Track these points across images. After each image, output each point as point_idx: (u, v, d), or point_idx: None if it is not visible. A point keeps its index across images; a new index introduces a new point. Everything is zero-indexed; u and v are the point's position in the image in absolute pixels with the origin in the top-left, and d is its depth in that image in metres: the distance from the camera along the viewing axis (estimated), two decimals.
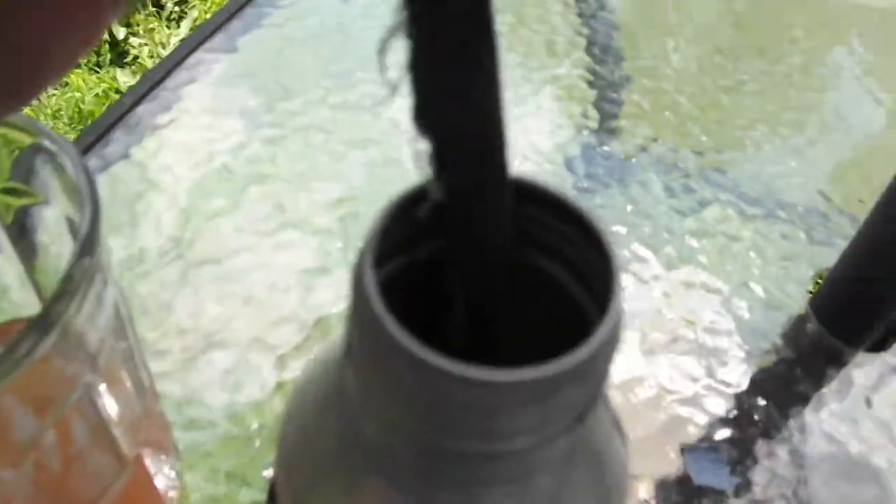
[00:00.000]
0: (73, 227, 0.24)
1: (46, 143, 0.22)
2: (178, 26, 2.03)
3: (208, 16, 2.00)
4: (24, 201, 0.25)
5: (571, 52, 0.56)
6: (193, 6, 2.04)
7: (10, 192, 0.24)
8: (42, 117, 1.77)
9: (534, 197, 0.13)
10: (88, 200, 0.20)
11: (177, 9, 2.05)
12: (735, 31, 0.61)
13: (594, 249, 0.12)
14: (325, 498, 0.13)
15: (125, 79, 1.86)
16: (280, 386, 0.36)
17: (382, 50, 0.11)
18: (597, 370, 0.11)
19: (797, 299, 0.42)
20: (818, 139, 0.52)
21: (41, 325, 0.19)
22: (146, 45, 1.94)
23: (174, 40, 1.98)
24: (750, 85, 0.55)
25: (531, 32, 0.57)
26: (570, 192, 0.20)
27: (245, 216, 0.42)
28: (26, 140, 0.23)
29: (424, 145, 0.12)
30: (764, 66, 0.57)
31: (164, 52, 1.92)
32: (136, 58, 1.92)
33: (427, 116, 0.12)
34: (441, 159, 0.12)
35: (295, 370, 0.36)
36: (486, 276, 0.12)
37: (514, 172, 0.13)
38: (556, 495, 0.13)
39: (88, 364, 0.21)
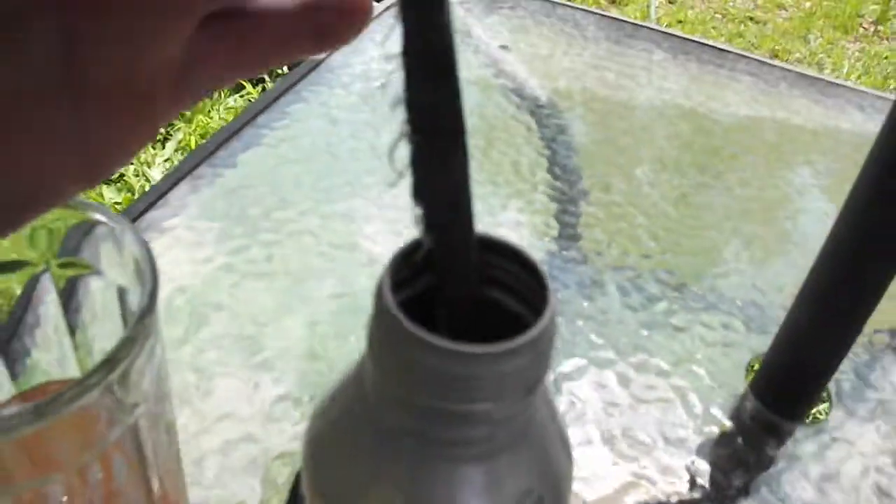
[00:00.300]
0: (122, 295, 0.29)
1: (100, 218, 0.28)
2: (164, 147, 2.12)
3: (193, 137, 2.10)
4: (76, 272, 0.30)
5: (535, 171, 0.62)
6: (178, 128, 2.13)
7: (64, 265, 0.29)
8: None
9: (493, 246, 0.19)
10: (149, 268, 0.25)
11: (162, 130, 2.14)
12: (681, 151, 0.69)
13: (535, 281, 0.18)
14: (346, 474, 0.18)
15: (111, 195, 1.92)
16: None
17: (391, 150, 0.17)
18: (539, 351, 0.16)
19: (737, 380, 0.47)
20: (755, 242, 0.59)
21: (107, 365, 0.23)
22: (132, 163, 2.01)
23: (159, 160, 2.06)
24: (693, 197, 0.62)
25: (499, 154, 0.64)
26: None
27: (246, 307, 0.48)
28: (78, 216, 0.28)
29: (418, 211, 0.18)
30: (706, 180, 0.65)
31: (150, 171, 2.00)
32: (122, 175, 1.99)
33: (421, 193, 0.17)
34: (428, 221, 0.17)
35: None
36: (459, 301, 0.18)
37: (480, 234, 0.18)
38: (513, 466, 0.18)
39: (134, 406, 0.26)
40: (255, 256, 0.51)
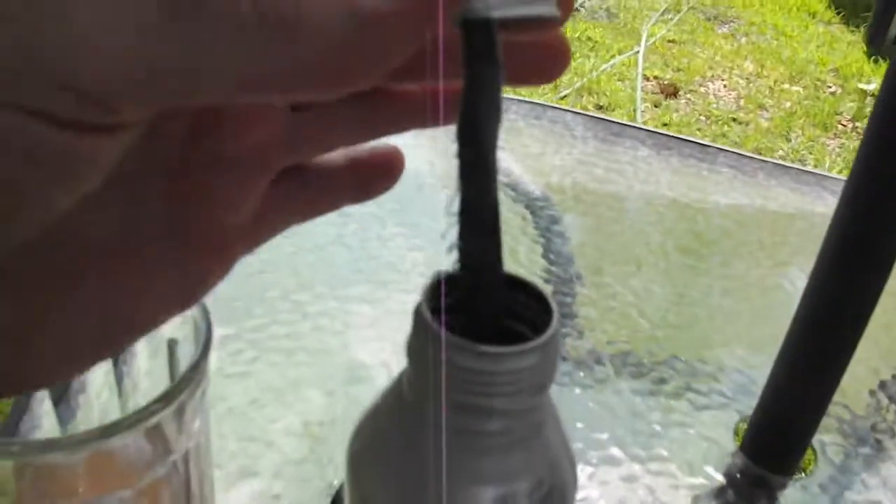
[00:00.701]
0: (171, 347, 0.33)
1: None
2: None
3: None
4: None
5: (531, 257, 0.67)
6: None
7: None
8: None
9: (510, 282, 0.23)
10: (204, 323, 0.30)
11: None
12: (667, 237, 0.74)
13: (543, 309, 0.22)
14: (385, 475, 0.22)
15: None
16: None
17: (448, 209, 0.22)
18: (547, 354, 0.20)
19: (727, 439, 0.51)
20: (737, 316, 0.63)
21: (167, 396, 0.27)
22: None
23: None
24: (679, 278, 0.67)
25: None
26: None
27: (263, 376, 0.52)
28: None
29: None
30: (690, 262, 0.70)
31: None
32: None
33: (461, 246, 0.22)
34: (464, 262, 0.22)
35: None
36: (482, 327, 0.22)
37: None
38: (527, 458, 0.22)
39: (183, 441, 0.30)
40: (276, 333, 0.55)
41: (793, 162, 3.19)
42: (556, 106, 0.99)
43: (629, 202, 0.78)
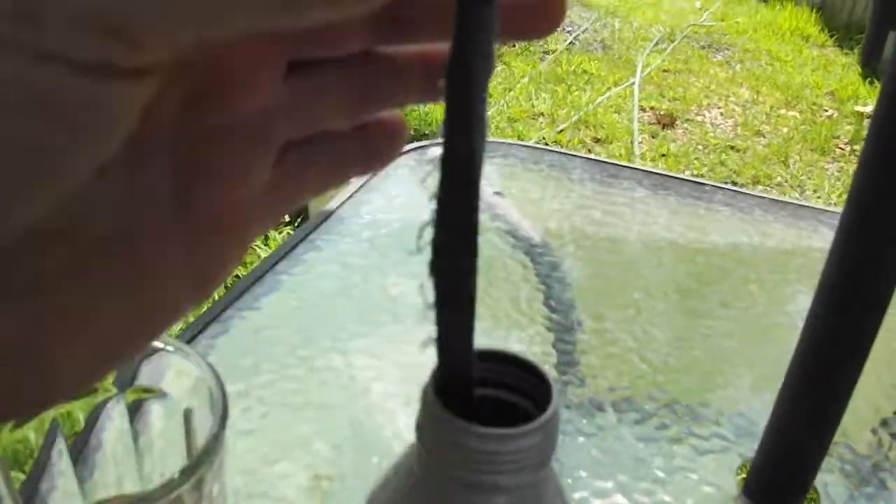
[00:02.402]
0: (188, 416, 0.34)
1: (166, 347, 0.33)
2: None
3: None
4: (140, 395, 0.35)
5: (532, 304, 0.68)
6: None
7: (135, 390, 0.35)
8: None
9: (502, 357, 0.24)
10: (220, 394, 0.31)
11: None
12: (666, 279, 0.75)
13: (542, 384, 0.23)
14: None
15: None
16: None
17: (422, 288, 0.23)
18: (548, 432, 0.21)
19: (729, 483, 0.52)
20: (737, 358, 0.64)
21: (188, 471, 0.29)
22: None
23: None
24: (678, 321, 0.68)
25: (499, 291, 0.70)
26: None
27: (273, 432, 0.53)
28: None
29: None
30: (689, 304, 0.71)
31: None
32: None
33: (438, 317, 0.23)
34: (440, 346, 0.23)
35: None
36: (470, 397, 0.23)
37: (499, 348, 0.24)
38: None
39: None
40: (284, 389, 0.56)
41: (792, 188, 3.21)
42: (553, 149, 1.01)
43: (628, 245, 0.80)
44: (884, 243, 0.43)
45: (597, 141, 3.41)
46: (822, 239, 0.85)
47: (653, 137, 3.54)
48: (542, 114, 3.65)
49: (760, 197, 0.94)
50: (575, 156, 0.98)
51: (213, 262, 0.21)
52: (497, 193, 0.86)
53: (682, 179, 0.96)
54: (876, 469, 0.56)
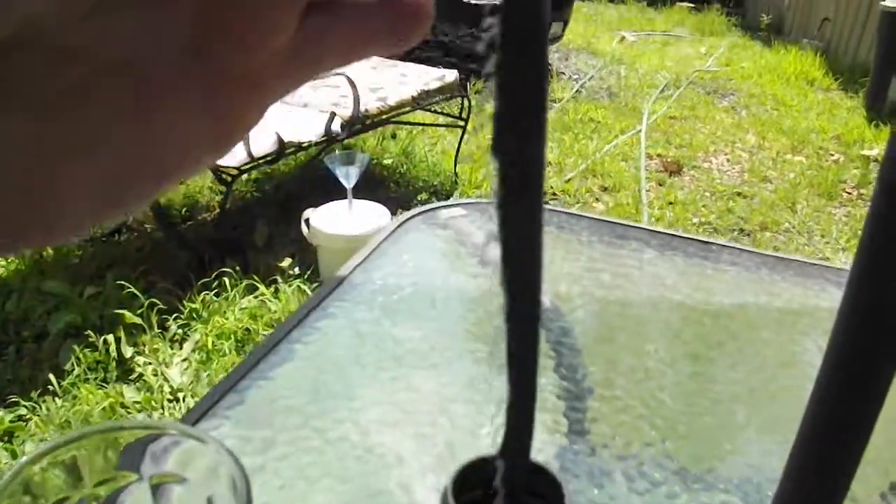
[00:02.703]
0: (210, 501, 0.35)
1: (191, 433, 0.34)
2: (181, 347, 2.20)
3: (209, 338, 2.17)
4: (161, 480, 0.36)
5: (543, 372, 0.70)
6: (196, 329, 2.22)
7: (159, 477, 0.36)
8: (50, 427, 1.87)
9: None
10: (244, 485, 0.32)
11: (180, 331, 2.25)
12: (674, 343, 0.76)
13: (552, 485, 0.24)
14: None
15: (131, 395, 1.99)
16: None
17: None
18: None
19: None
20: (746, 425, 0.65)
21: None
22: (150, 363, 2.09)
23: (177, 360, 2.13)
24: (687, 386, 0.69)
25: None
26: None
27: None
28: (157, 430, 0.35)
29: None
30: (697, 369, 0.72)
31: (168, 371, 2.07)
32: (140, 375, 2.07)
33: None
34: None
35: None
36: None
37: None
38: None
39: None
40: (300, 462, 0.58)
41: (800, 234, 3.22)
42: (562, 210, 1.02)
43: (637, 308, 0.81)
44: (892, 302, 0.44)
45: (604, 189, 3.44)
46: (829, 297, 0.86)
47: (660, 185, 3.57)
48: (549, 163, 3.69)
49: (766, 255, 0.95)
50: (583, 216, 1.00)
51: (230, 115, 0.21)
52: None
53: (689, 239, 0.97)
54: None
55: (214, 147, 0.20)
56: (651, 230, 0.99)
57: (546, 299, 0.80)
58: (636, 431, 0.63)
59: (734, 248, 0.96)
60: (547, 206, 1.01)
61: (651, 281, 0.86)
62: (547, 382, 0.68)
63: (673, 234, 0.97)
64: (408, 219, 0.96)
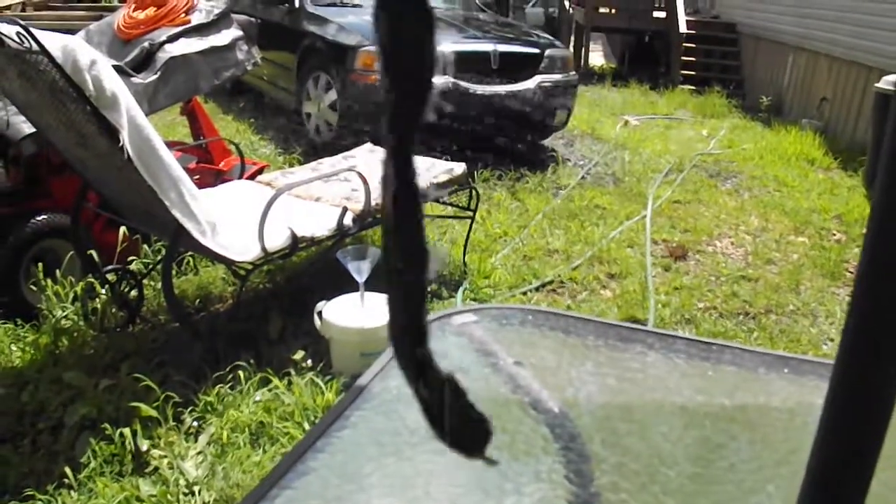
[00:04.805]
0: None
1: None
2: (196, 440, 2.23)
3: (224, 431, 2.20)
4: None
5: (552, 476, 0.74)
6: (210, 422, 2.25)
7: None
8: None
9: None
10: None
11: (195, 424, 2.27)
12: (676, 446, 0.80)
13: None
14: None
15: (147, 488, 2.01)
16: None
17: None
18: None
19: None
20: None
21: None
22: (166, 456, 2.12)
23: (192, 452, 2.16)
24: (689, 488, 0.73)
25: (521, 465, 0.75)
26: None
27: None
28: None
29: None
30: (698, 471, 0.76)
31: (184, 464, 2.10)
32: (156, 468, 2.09)
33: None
34: None
35: None
36: None
37: None
38: None
39: None
40: None
41: (804, 316, 3.26)
42: (568, 313, 1.08)
43: (641, 412, 0.86)
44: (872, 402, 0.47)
45: (611, 276, 3.49)
46: (821, 395, 0.90)
47: (666, 270, 3.62)
48: (556, 250, 3.75)
49: (764, 354, 1.00)
50: (589, 320, 1.05)
51: None
52: (517, 363, 0.93)
53: (692, 340, 1.02)
54: None
55: None
56: (655, 332, 1.04)
57: (554, 405, 0.85)
58: None
59: (735, 348, 1.01)
60: (553, 311, 1.06)
61: (654, 384, 0.91)
62: (557, 487, 0.72)
63: (675, 336, 1.02)
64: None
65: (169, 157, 2.25)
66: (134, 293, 2.89)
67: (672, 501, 0.72)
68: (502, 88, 5.02)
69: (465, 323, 1.03)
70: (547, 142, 5.76)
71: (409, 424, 0.80)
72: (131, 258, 2.96)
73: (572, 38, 10.95)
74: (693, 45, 9.45)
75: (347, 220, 2.68)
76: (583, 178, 5.05)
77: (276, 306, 2.90)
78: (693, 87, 8.87)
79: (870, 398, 0.48)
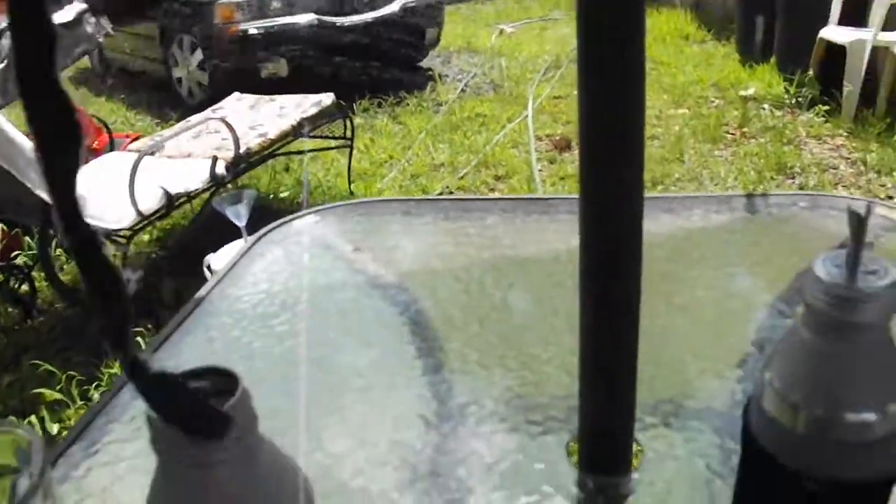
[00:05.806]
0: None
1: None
2: None
3: None
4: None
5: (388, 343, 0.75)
6: None
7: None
8: None
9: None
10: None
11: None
12: (507, 301, 0.82)
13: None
14: None
15: None
16: None
17: None
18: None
19: None
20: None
21: None
22: None
23: None
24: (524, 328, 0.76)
25: (356, 339, 0.76)
26: None
27: None
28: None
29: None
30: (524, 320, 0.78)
31: None
32: None
33: None
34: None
35: None
36: None
37: None
38: None
39: None
40: None
41: (689, 181, 3.35)
42: (410, 199, 1.09)
43: (478, 270, 0.87)
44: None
45: (498, 178, 3.52)
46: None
47: (551, 163, 3.67)
48: (442, 164, 3.76)
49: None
50: (426, 199, 1.06)
51: None
52: (356, 250, 0.93)
53: (529, 199, 1.04)
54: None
55: None
56: (495, 199, 1.06)
57: (391, 278, 0.86)
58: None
59: (567, 198, 1.03)
60: (393, 199, 1.07)
61: (491, 244, 0.92)
62: (390, 351, 0.74)
63: (510, 198, 1.04)
64: (263, 235, 1.01)
65: (23, 140, 2.17)
66: (25, 287, 2.80)
67: (503, 345, 0.74)
68: (367, 16, 4.98)
69: (306, 224, 1.03)
70: (423, 62, 5.72)
71: (244, 328, 0.80)
72: (16, 253, 2.87)
73: None
74: None
75: (220, 169, 2.63)
76: (462, 90, 5.04)
77: (168, 269, 2.85)
78: None
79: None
